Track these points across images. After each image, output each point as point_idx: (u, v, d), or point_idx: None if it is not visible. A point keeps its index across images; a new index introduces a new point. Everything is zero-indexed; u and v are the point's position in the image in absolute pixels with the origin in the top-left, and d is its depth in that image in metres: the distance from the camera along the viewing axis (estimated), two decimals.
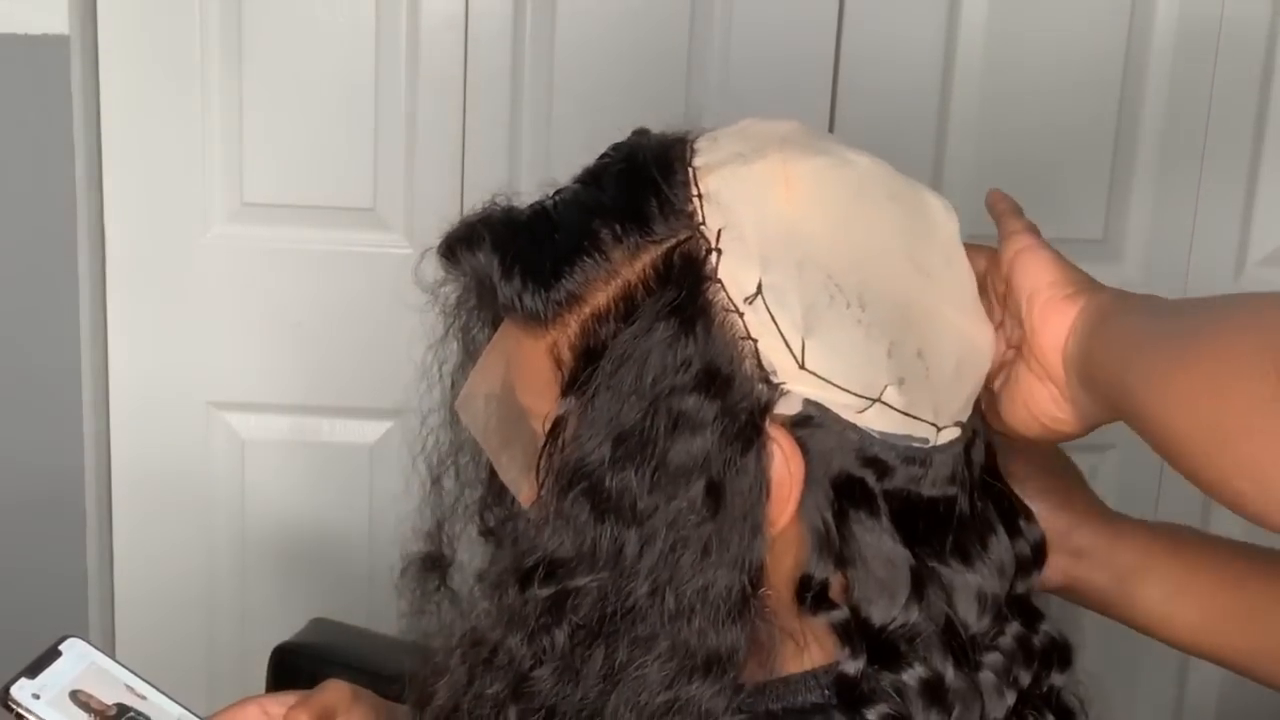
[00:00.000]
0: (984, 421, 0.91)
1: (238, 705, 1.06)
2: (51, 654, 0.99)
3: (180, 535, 2.01)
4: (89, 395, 1.93)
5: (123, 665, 1.01)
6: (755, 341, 0.82)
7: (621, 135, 0.91)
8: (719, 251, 0.83)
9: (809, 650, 0.88)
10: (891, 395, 0.83)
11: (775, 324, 0.82)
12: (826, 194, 0.86)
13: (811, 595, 0.86)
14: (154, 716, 0.99)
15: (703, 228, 0.84)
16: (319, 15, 1.88)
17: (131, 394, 1.96)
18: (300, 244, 1.94)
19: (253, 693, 1.10)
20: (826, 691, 0.87)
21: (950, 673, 0.86)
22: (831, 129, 1.90)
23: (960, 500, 0.87)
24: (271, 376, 1.97)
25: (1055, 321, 0.86)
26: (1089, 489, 1.02)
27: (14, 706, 0.95)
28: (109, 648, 1.18)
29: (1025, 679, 0.90)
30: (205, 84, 1.88)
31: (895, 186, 0.88)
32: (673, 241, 0.84)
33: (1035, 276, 0.88)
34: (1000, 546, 0.89)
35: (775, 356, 0.82)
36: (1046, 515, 0.98)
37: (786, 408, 0.83)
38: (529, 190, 0.90)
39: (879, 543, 0.85)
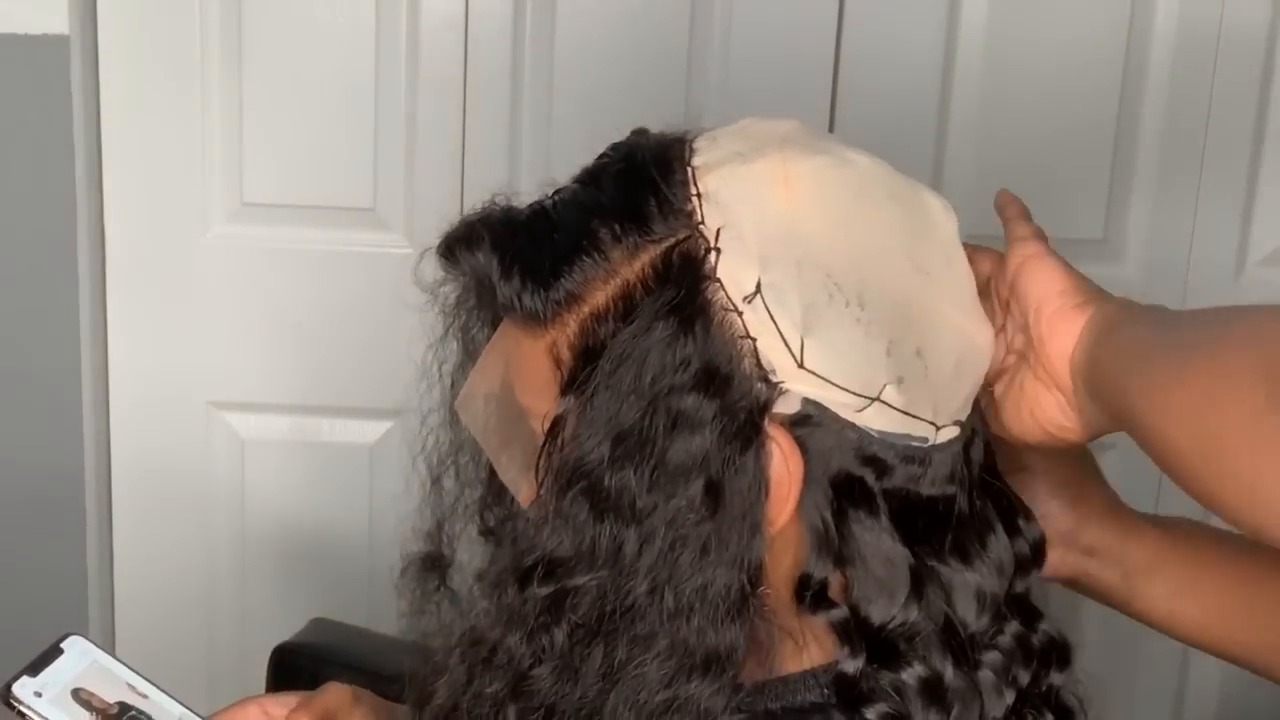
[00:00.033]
0: (983, 421, 0.91)
1: (238, 705, 1.07)
2: (53, 652, 0.99)
3: (180, 535, 2.01)
4: (89, 395, 1.93)
5: (124, 664, 1.01)
6: (754, 340, 0.82)
7: (621, 135, 0.91)
8: (718, 251, 0.83)
9: (808, 649, 0.88)
10: (890, 394, 0.83)
11: (774, 323, 0.82)
12: (826, 193, 0.86)
13: (810, 594, 0.86)
14: (155, 715, 0.99)
15: (702, 227, 0.84)
16: (319, 15, 1.88)
17: (131, 394, 1.96)
18: (300, 244, 1.94)
19: (253, 693, 1.10)
20: (826, 690, 0.87)
21: (949, 672, 0.86)
22: (831, 129, 1.90)
23: (959, 499, 0.87)
24: (271, 376, 1.97)
25: (1065, 330, 0.86)
26: (1104, 482, 1.01)
27: (16, 704, 0.95)
28: (109, 647, 1.18)
29: (1024, 678, 0.90)
30: (205, 84, 1.88)
31: (895, 186, 0.88)
32: (672, 241, 0.84)
33: (1045, 285, 0.88)
34: (999, 545, 0.89)
35: (774, 355, 0.82)
36: (1059, 511, 0.99)
37: (785, 407, 0.83)
38: (529, 190, 0.90)
39: (878, 542, 0.85)
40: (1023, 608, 0.91)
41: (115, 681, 0.99)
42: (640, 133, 0.91)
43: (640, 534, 0.82)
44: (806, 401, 0.83)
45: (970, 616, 0.87)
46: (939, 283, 0.87)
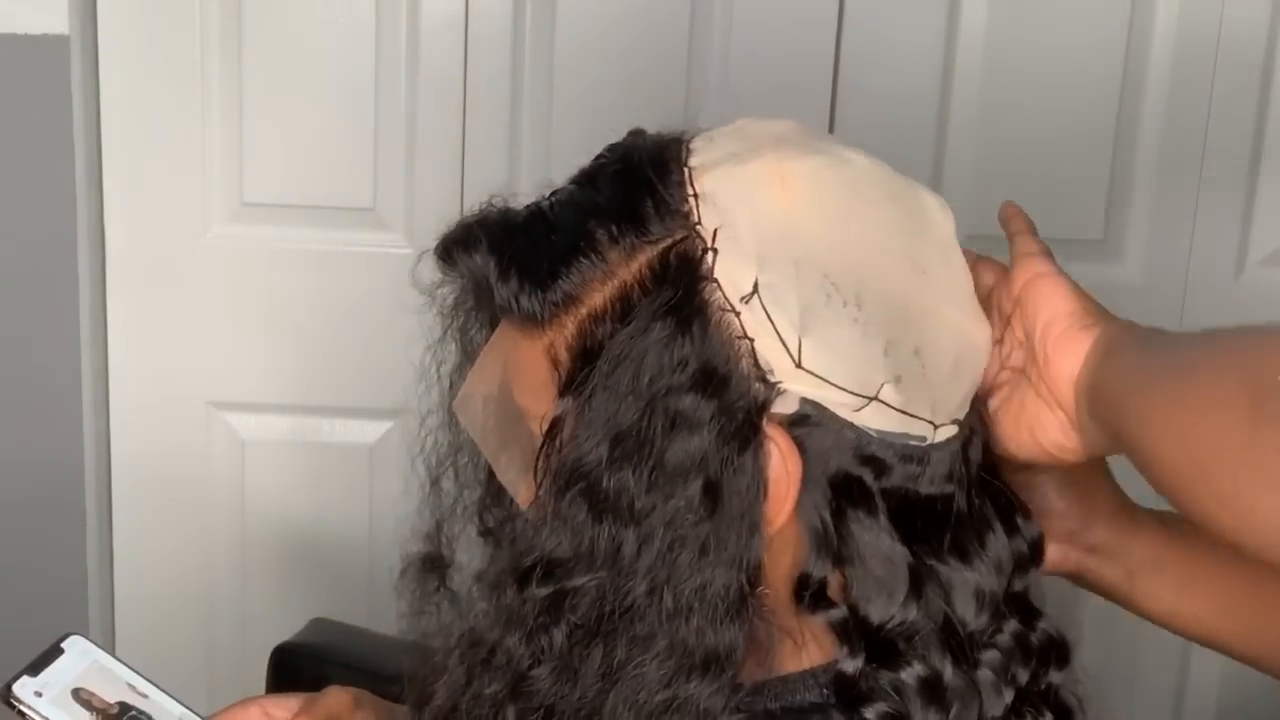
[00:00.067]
0: (981, 421, 0.91)
1: (239, 705, 1.07)
2: (54, 652, 0.99)
3: (180, 535, 2.01)
4: (89, 395, 1.93)
5: (124, 664, 1.01)
6: (752, 341, 0.82)
7: (619, 136, 0.91)
8: (715, 251, 0.83)
9: (807, 649, 0.88)
10: (889, 393, 0.83)
11: (772, 323, 0.82)
12: (823, 193, 0.86)
13: (809, 594, 0.86)
14: (156, 715, 0.99)
15: (698, 227, 0.84)
16: (319, 15, 1.88)
17: (131, 394, 1.96)
18: (300, 244, 1.94)
19: (253, 693, 1.10)
20: (825, 690, 0.87)
21: (948, 671, 0.86)
22: (831, 129, 1.90)
23: (958, 498, 0.87)
24: (271, 376, 1.97)
25: (1072, 351, 0.87)
26: (1110, 478, 1.01)
27: (16, 704, 0.95)
28: (109, 647, 1.18)
29: (1023, 676, 0.90)
30: (205, 84, 1.88)
31: (892, 185, 0.88)
32: (669, 242, 0.84)
33: (1053, 305, 0.89)
34: (998, 544, 0.89)
35: (772, 356, 0.82)
36: (1065, 509, 0.99)
37: (783, 407, 0.83)
38: (529, 191, 0.91)
39: (877, 541, 0.85)
40: (1021, 606, 0.91)
41: (115, 681, 0.99)
42: (637, 133, 0.91)
43: (639, 534, 0.82)
44: (804, 401, 0.83)
45: (969, 615, 0.87)
46: (936, 282, 0.87)
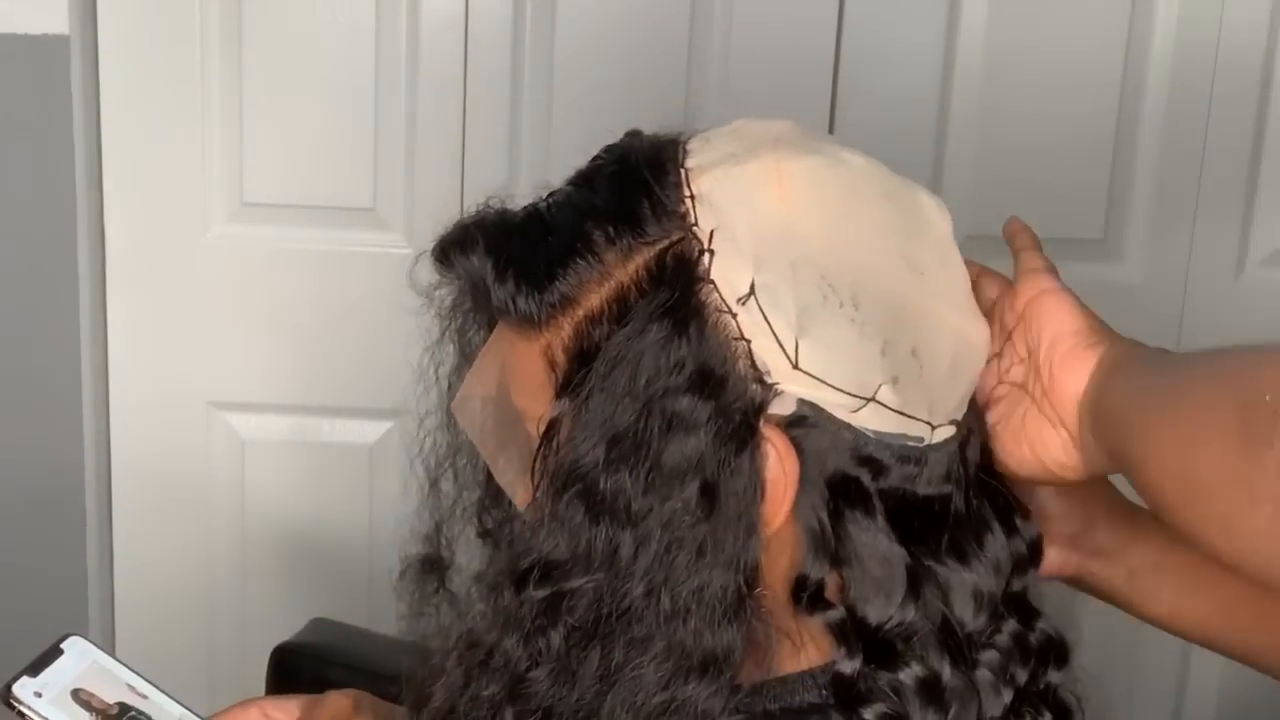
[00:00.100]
0: (979, 421, 0.91)
1: (239, 706, 1.07)
2: (53, 652, 0.99)
3: (180, 535, 2.01)
4: (89, 395, 1.93)
5: (124, 664, 1.01)
6: (749, 342, 0.82)
7: (618, 136, 0.91)
8: (711, 252, 0.83)
9: (806, 650, 0.87)
10: (886, 394, 0.83)
11: (768, 324, 0.82)
12: (820, 193, 0.86)
13: (807, 595, 0.86)
14: (155, 716, 0.99)
15: (695, 229, 0.84)
16: (319, 15, 1.88)
17: (131, 394, 1.96)
18: (300, 244, 1.94)
19: (253, 693, 1.10)
20: (823, 691, 0.87)
21: (947, 671, 0.86)
22: (831, 130, 1.90)
23: (956, 498, 0.87)
24: (271, 376, 1.97)
25: (1078, 369, 0.87)
26: (1109, 482, 1.01)
27: (16, 705, 0.95)
28: (109, 648, 1.18)
29: (1022, 677, 0.90)
30: (205, 84, 1.88)
31: (889, 186, 0.88)
32: (665, 243, 0.84)
33: (1058, 322, 0.89)
34: (996, 544, 0.89)
35: (769, 357, 0.82)
36: (1066, 513, 0.99)
37: (780, 408, 0.83)
38: (529, 191, 0.91)
39: (874, 542, 0.85)
40: (1020, 606, 0.91)
41: (115, 682, 0.99)
42: (634, 134, 0.91)
43: (636, 536, 0.82)
44: (802, 402, 0.83)
45: (967, 616, 0.87)
46: (933, 282, 0.87)
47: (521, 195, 0.91)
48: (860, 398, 0.83)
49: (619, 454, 0.82)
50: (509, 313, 0.86)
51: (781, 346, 0.82)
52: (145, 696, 0.99)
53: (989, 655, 0.88)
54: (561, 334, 0.85)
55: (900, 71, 1.92)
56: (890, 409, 0.84)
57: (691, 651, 0.83)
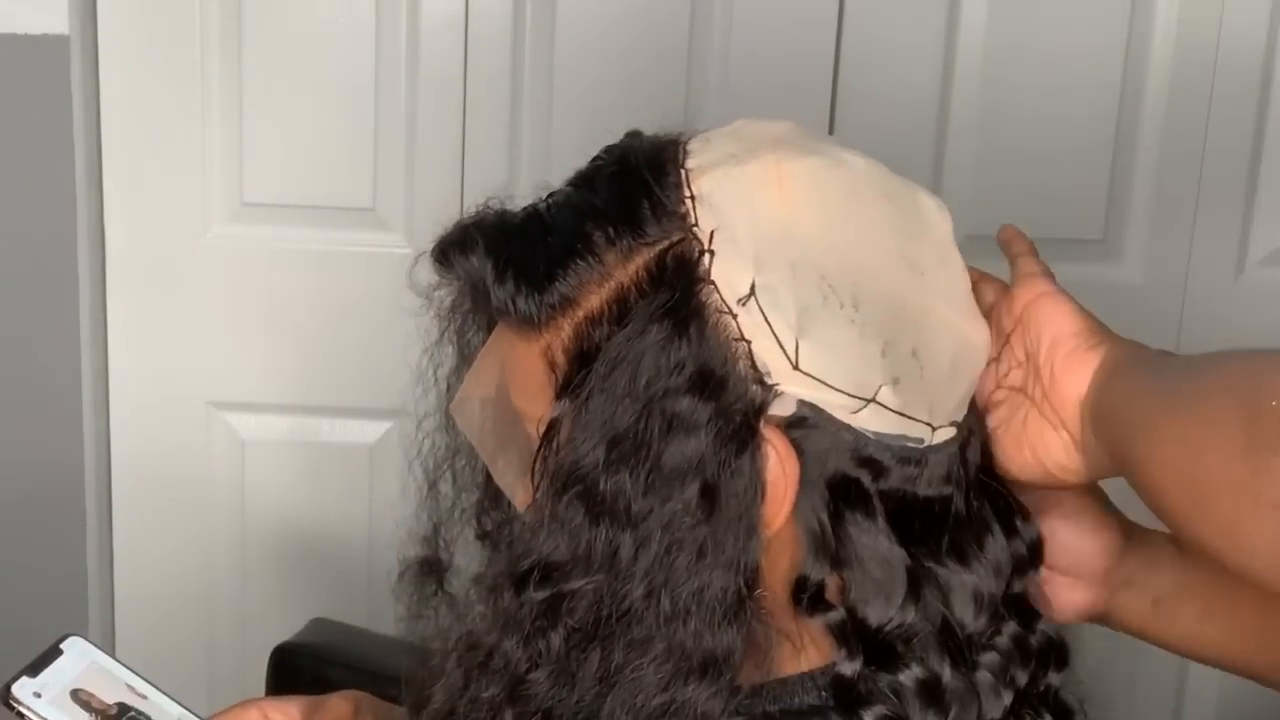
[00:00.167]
0: (979, 422, 0.91)
1: (239, 707, 1.06)
2: (53, 652, 0.98)
3: (180, 535, 2.01)
4: (89, 395, 1.93)
5: (124, 664, 1.01)
6: (749, 343, 0.82)
7: (618, 137, 0.91)
8: (712, 253, 0.83)
9: (806, 651, 0.87)
10: (886, 395, 0.83)
11: (769, 325, 0.82)
12: (820, 194, 0.86)
13: (807, 596, 0.86)
14: (155, 716, 0.99)
15: (695, 229, 0.84)
16: (319, 15, 1.88)
17: (131, 394, 1.96)
18: (300, 244, 1.94)
19: (253, 693, 1.10)
20: (823, 693, 0.87)
21: (947, 673, 0.86)
22: (831, 130, 1.90)
23: (956, 500, 0.87)
24: (271, 376, 1.97)
25: (1079, 371, 0.87)
26: (1110, 503, 0.98)
27: (15, 705, 0.95)
28: (109, 648, 1.18)
29: (1022, 678, 0.90)
30: (205, 84, 1.88)
31: (889, 186, 0.88)
32: (665, 243, 0.84)
33: (1058, 324, 0.89)
34: (996, 546, 0.89)
35: (769, 358, 0.82)
36: (1097, 547, 0.95)
37: (781, 409, 0.83)
38: (529, 191, 0.91)
39: (875, 543, 0.85)
40: (1020, 608, 0.91)
41: (114, 682, 0.99)
42: (634, 135, 0.91)
43: (636, 538, 0.82)
44: (802, 403, 0.83)
45: (968, 617, 0.87)
46: (934, 282, 0.87)
47: (521, 196, 0.91)
48: (860, 399, 0.83)
49: (619, 455, 0.82)
50: (509, 313, 0.86)
51: (782, 347, 0.82)
52: (145, 697, 0.99)
53: (989, 657, 0.88)
54: (561, 335, 0.85)
55: (900, 71, 1.92)
56: (891, 410, 0.84)
57: (691, 653, 0.83)
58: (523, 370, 0.87)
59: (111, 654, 1.01)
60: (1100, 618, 0.99)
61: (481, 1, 1.88)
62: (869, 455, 0.84)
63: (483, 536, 0.99)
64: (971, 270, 0.91)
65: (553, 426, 0.85)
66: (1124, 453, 0.83)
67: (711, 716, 0.83)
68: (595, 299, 0.84)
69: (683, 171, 0.86)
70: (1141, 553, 0.97)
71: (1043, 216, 1.85)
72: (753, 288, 0.82)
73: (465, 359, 0.95)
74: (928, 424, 0.85)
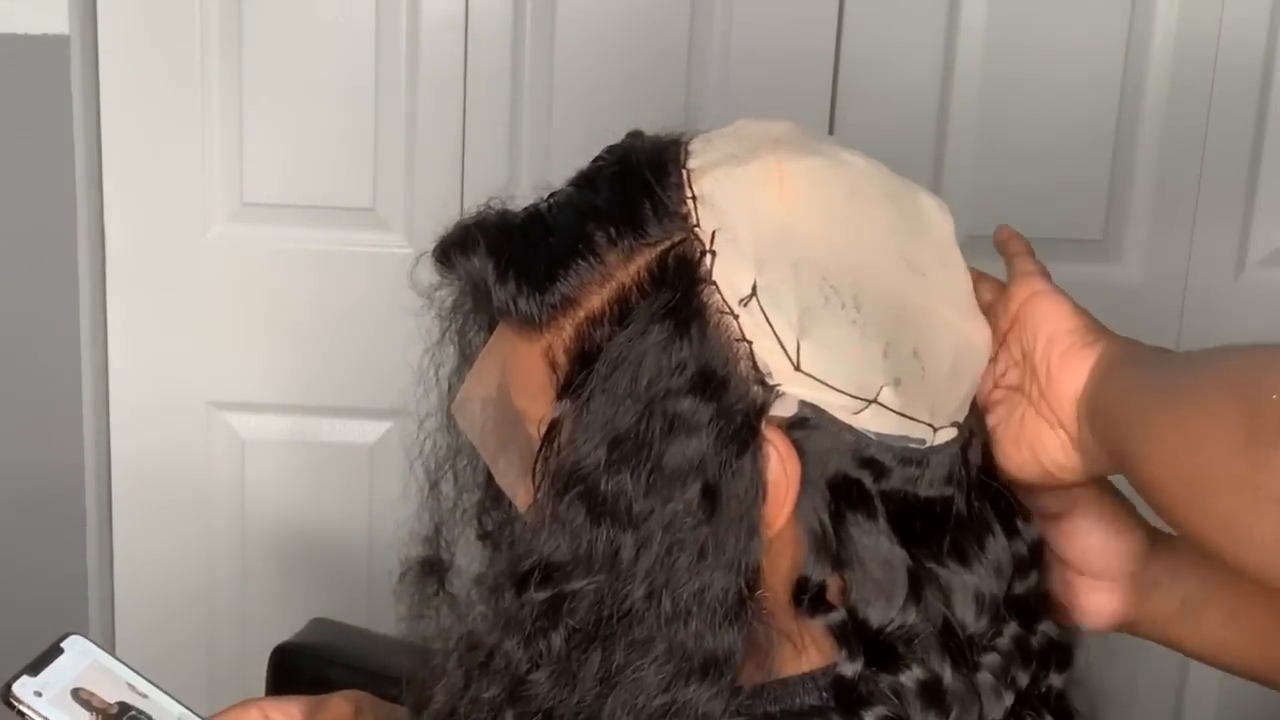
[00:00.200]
0: (980, 423, 0.91)
1: (239, 707, 1.06)
2: (53, 651, 0.98)
3: (180, 535, 2.01)
4: (89, 395, 1.93)
5: (124, 664, 1.01)
6: (750, 343, 0.82)
7: (618, 137, 0.91)
8: (713, 253, 0.83)
9: (807, 652, 0.87)
10: (888, 396, 0.83)
11: (770, 326, 0.82)
12: (821, 194, 0.86)
13: (809, 597, 0.85)
14: (155, 715, 0.99)
15: (697, 230, 0.84)
16: (319, 15, 1.88)
17: (131, 394, 1.96)
18: (300, 244, 1.94)
19: (253, 693, 1.10)
20: (824, 693, 0.87)
21: (948, 674, 0.86)
22: (831, 130, 1.90)
23: (957, 500, 0.87)
24: (271, 376, 1.97)
25: (1076, 369, 0.87)
26: (1131, 504, 0.97)
27: (16, 704, 0.95)
28: (109, 647, 1.18)
29: (1023, 680, 0.90)
30: (205, 84, 1.88)
31: (890, 186, 0.88)
32: (667, 244, 0.84)
33: (1054, 322, 0.88)
34: (998, 547, 0.89)
35: (770, 358, 0.82)
36: (1124, 549, 0.95)
37: (782, 410, 0.83)
38: (529, 191, 0.90)
39: (876, 544, 0.85)
40: (1021, 609, 0.91)
41: (115, 681, 0.99)
42: (635, 135, 0.91)
43: (637, 538, 0.82)
44: (803, 404, 0.83)
45: (969, 618, 0.87)
46: (935, 283, 0.87)
47: (522, 196, 0.91)
48: (862, 399, 0.83)
49: (620, 455, 0.82)
50: (510, 314, 0.86)
51: (783, 348, 0.82)
52: (145, 696, 0.99)
53: (990, 658, 0.88)
54: (563, 335, 0.85)
55: (900, 71, 1.92)
56: (892, 411, 0.84)
57: (692, 653, 0.82)
58: (524, 370, 0.87)
59: (112, 653, 1.01)
60: (1130, 624, 0.98)
61: (481, 1, 1.88)
62: (870, 456, 0.84)
63: (484, 537, 0.99)
64: (970, 270, 0.91)
65: (554, 427, 0.85)
66: (1122, 450, 0.83)
67: (712, 717, 0.83)
68: (596, 299, 0.84)
69: (684, 172, 0.86)
70: (1166, 556, 0.96)
71: (1043, 216, 1.86)
72: (754, 288, 0.82)
73: (466, 359, 0.95)
74: (929, 425, 0.85)
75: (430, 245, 0.90)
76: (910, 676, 0.85)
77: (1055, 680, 0.92)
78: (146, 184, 1.91)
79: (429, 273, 0.91)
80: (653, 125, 0.91)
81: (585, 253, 0.84)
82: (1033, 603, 0.91)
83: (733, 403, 0.82)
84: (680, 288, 0.82)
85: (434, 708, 0.91)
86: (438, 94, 1.90)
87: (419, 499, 1.01)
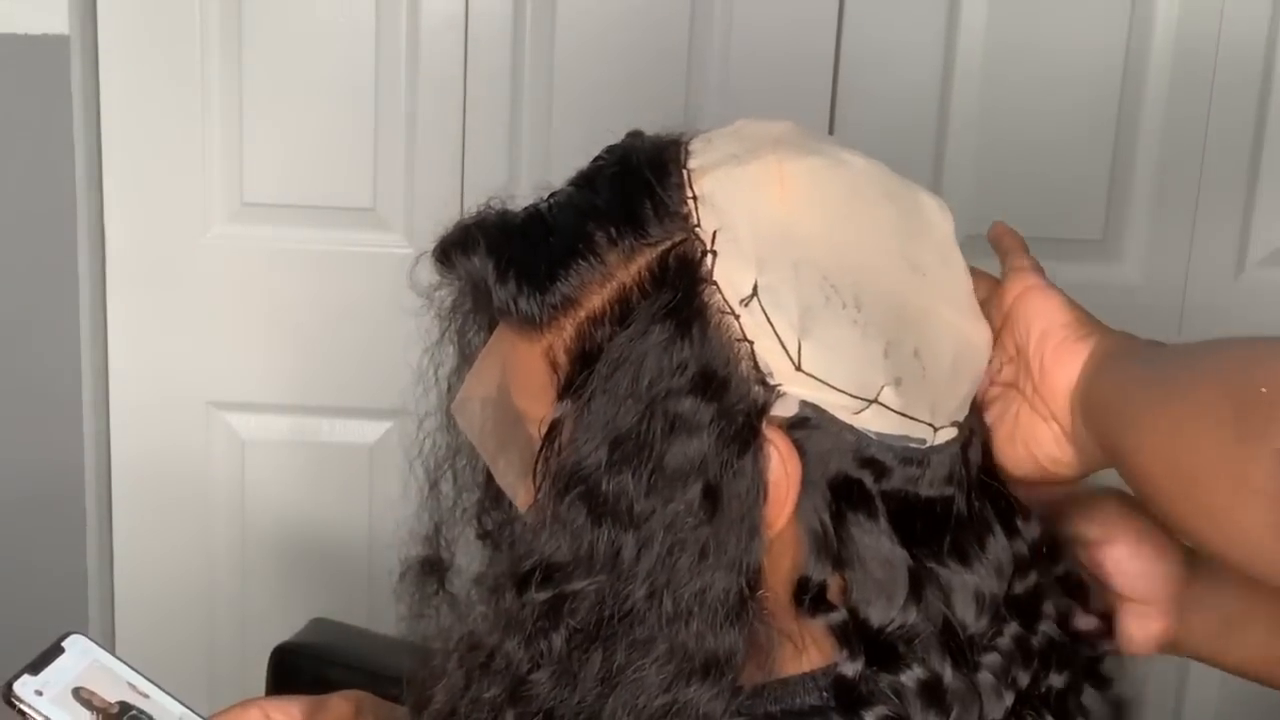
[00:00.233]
0: (980, 422, 0.91)
1: (239, 706, 1.06)
2: (54, 651, 0.98)
3: (180, 535, 2.01)
4: (89, 395, 1.93)
5: (125, 663, 1.01)
6: (751, 343, 0.82)
7: (618, 137, 0.91)
8: (714, 253, 0.83)
9: (807, 652, 0.87)
10: (888, 396, 0.83)
11: (771, 326, 0.82)
12: (821, 194, 0.86)
13: (809, 597, 0.85)
14: (156, 715, 0.99)
15: (697, 230, 0.84)
16: (319, 15, 1.88)
17: (131, 394, 1.96)
18: (300, 244, 1.94)
19: (253, 693, 1.10)
20: (825, 693, 0.87)
21: (948, 674, 0.86)
22: (831, 130, 1.90)
23: (958, 500, 0.87)
24: (271, 376, 1.97)
25: (1069, 363, 0.87)
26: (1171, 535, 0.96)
27: (16, 703, 0.95)
28: (109, 647, 1.18)
29: (1024, 679, 0.90)
30: (205, 84, 1.88)
31: (890, 186, 0.88)
32: (668, 244, 0.84)
33: (1047, 316, 0.88)
34: (998, 546, 0.89)
35: (771, 358, 0.82)
36: (1167, 569, 0.93)
37: (783, 410, 0.83)
38: (529, 191, 0.90)
39: (877, 544, 0.85)
40: (1022, 609, 0.91)
41: (116, 681, 0.99)
42: (635, 135, 0.91)
43: (638, 538, 0.82)
44: (804, 404, 0.83)
45: (969, 618, 0.87)
46: (935, 283, 0.87)
47: (522, 196, 0.91)
48: (863, 399, 0.83)
49: (621, 456, 0.82)
50: (510, 314, 0.86)
51: (784, 348, 0.82)
52: (146, 695, 0.99)
53: (991, 658, 0.88)
54: (563, 335, 0.85)
55: (900, 71, 1.92)
56: (893, 411, 0.84)
57: (693, 654, 0.82)
58: (524, 370, 0.87)
59: (113, 653, 1.01)
60: (1173, 645, 0.97)
61: (481, 1, 1.88)
62: (871, 456, 0.84)
63: (484, 536, 0.99)
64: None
65: (554, 427, 0.85)
66: (1114, 443, 0.83)
67: (713, 717, 0.83)
68: (597, 299, 0.84)
69: (685, 172, 0.86)
70: (1205, 575, 0.95)
71: (1042, 216, 1.86)
72: (755, 288, 0.82)
73: (466, 359, 0.95)
74: (930, 424, 0.85)
75: (430, 245, 0.90)
76: (911, 676, 0.85)
77: (1055, 680, 0.92)
78: (146, 184, 1.91)
79: (429, 273, 0.91)
80: (653, 125, 0.91)
81: (586, 253, 0.84)
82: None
83: (734, 403, 0.82)
84: (681, 288, 0.82)
85: (434, 708, 0.91)
86: (438, 94, 1.90)
87: (419, 499, 1.01)
